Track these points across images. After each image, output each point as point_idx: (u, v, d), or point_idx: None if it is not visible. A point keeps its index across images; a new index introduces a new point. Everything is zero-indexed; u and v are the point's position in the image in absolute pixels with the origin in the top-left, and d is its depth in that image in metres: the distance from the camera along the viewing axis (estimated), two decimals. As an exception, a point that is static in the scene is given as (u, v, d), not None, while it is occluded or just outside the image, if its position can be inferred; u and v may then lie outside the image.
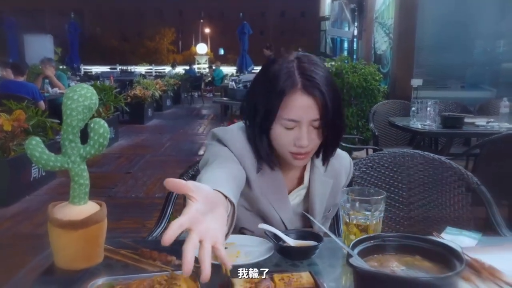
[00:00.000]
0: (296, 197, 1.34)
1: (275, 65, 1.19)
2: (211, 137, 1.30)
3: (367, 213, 1.08)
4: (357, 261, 0.80)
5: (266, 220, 1.27)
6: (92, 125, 0.98)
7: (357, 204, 1.09)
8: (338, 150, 1.36)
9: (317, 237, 1.13)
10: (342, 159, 1.41)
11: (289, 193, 1.32)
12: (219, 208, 0.82)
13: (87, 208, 1.00)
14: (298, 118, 1.15)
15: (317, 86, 1.14)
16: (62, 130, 0.97)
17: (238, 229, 1.28)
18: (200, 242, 0.72)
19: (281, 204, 1.28)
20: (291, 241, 1.13)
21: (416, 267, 0.85)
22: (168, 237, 0.69)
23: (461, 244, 1.13)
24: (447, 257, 0.83)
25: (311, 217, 1.22)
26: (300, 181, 1.35)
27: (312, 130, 1.18)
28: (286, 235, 1.14)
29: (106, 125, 0.99)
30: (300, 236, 1.16)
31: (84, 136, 1.01)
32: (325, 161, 1.32)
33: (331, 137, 1.23)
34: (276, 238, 1.12)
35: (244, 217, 1.28)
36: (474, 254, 1.02)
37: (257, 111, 1.20)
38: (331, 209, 1.41)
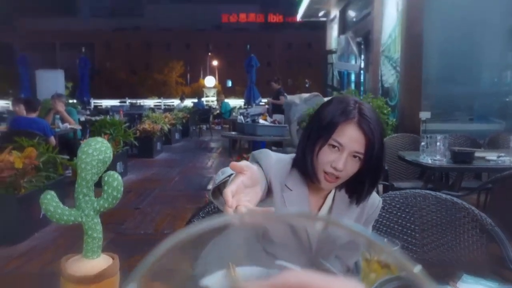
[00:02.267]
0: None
1: (337, 99, 1.38)
2: (250, 158, 1.44)
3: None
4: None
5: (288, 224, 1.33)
6: (106, 178, 0.99)
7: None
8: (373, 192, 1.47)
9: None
10: (373, 194, 1.48)
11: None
12: (257, 186, 1.06)
13: (100, 262, 1.00)
14: (344, 144, 1.30)
15: (369, 125, 1.29)
16: (76, 184, 0.98)
17: (261, 229, 1.34)
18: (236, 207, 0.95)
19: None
20: None
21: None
22: (228, 200, 0.94)
23: None
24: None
25: (325, 263, 1.21)
26: (322, 203, 1.43)
27: (351, 160, 1.31)
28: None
29: (120, 178, 1.00)
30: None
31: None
32: (359, 201, 1.40)
33: (368, 178, 1.36)
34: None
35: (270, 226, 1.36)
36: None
37: (315, 134, 1.35)
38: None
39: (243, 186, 1.00)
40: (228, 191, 0.94)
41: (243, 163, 1.02)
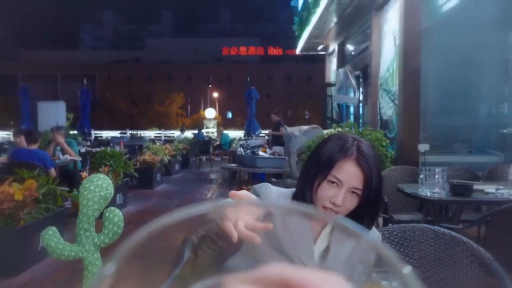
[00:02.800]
0: (319, 245, 1.42)
1: (336, 136, 1.43)
2: (251, 192, 1.44)
3: (384, 283, 1.07)
4: None
5: (287, 257, 1.35)
6: (107, 214, 1.01)
7: (373, 274, 1.09)
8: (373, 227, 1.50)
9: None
10: (373, 229, 1.50)
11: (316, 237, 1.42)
12: None
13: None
14: (342, 180, 1.32)
15: (367, 162, 1.33)
16: (78, 219, 1.00)
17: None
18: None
19: (303, 239, 1.38)
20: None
21: None
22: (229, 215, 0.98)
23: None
24: None
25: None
26: (321, 231, 1.44)
27: (349, 196, 1.34)
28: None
29: (120, 214, 1.02)
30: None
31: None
32: None
33: (367, 213, 1.39)
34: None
35: (267, 252, 1.36)
36: None
37: (314, 170, 1.37)
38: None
39: None
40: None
41: (243, 192, 1.06)
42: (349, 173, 1.32)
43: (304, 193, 1.39)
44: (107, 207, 0.99)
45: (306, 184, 1.39)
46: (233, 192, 1.04)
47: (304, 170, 1.44)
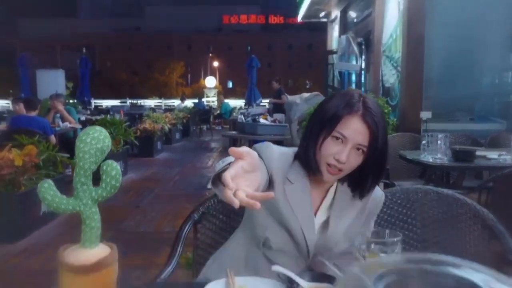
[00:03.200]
0: (320, 215, 1.41)
1: (341, 93, 1.38)
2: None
3: (383, 255, 1.06)
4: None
5: (287, 229, 1.35)
6: (104, 167, 0.98)
7: (372, 245, 1.07)
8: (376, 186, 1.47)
9: (331, 279, 1.10)
10: (376, 189, 1.46)
11: (316, 210, 1.41)
12: (257, 172, 1.06)
13: (98, 251, 0.99)
14: (348, 136, 1.29)
15: (374, 119, 1.29)
16: (74, 173, 0.97)
17: (262, 239, 1.38)
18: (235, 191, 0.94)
19: (305, 215, 1.36)
20: (304, 284, 1.10)
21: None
22: (228, 183, 0.93)
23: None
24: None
25: (326, 262, 1.21)
26: (324, 197, 1.42)
27: (354, 153, 1.30)
28: (300, 277, 1.12)
29: (118, 167, 0.99)
30: (314, 277, 1.13)
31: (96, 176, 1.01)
32: (362, 195, 1.39)
33: (372, 172, 1.35)
34: (290, 281, 1.10)
35: (268, 224, 1.36)
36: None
37: (318, 127, 1.34)
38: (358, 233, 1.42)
39: (243, 171, 1.00)
40: (227, 175, 0.94)
41: (243, 148, 1.01)
42: (354, 129, 1.28)
43: (308, 149, 1.35)
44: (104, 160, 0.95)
45: (310, 141, 1.35)
46: (232, 148, 1.00)
47: (308, 127, 1.40)
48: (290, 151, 1.44)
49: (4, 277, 3.45)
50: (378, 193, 1.48)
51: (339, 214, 1.39)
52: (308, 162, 1.36)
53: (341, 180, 1.40)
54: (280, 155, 1.39)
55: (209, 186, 1.20)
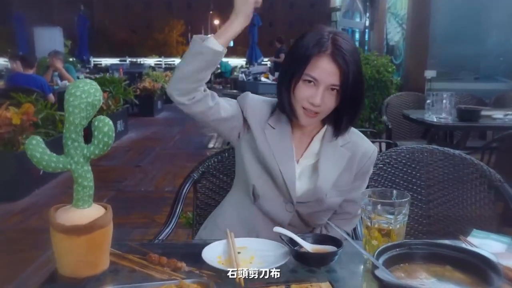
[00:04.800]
0: (305, 160, 1.37)
1: (312, 32, 1.29)
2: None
3: (390, 216, 1.01)
4: (383, 273, 0.73)
5: (269, 173, 1.33)
6: (96, 123, 0.92)
7: (379, 206, 1.02)
8: (366, 139, 1.44)
9: (336, 242, 1.06)
10: (366, 144, 1.43)
11: (298, 159, 1.37)
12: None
13: (92, 211, 0.94)
14: (318, 78, 1.24)
15: (343, 57, 1.22)
16: (64, 129, 0.91)
17: (251, 187, 1.36)
18: None
19: (285, 157, 1.33)
20: (308, 246, 1.06)
21: (446, 278, 0.78)
22: None
23: (489, 249, 1.06)
24: (481, 268, 0.76)
25: (331, 223, 1.17)
26: (308, 145, 1.39)
27: (328, 94, 1.25)
28: (303, 239, 1.08)
29: (111, 123, 0.93)
30: (318, 240, 1.09)
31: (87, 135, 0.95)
32: (338, 133, 1.36)
33: (347, 111, 1.30)
34: (292, 242, 1.06)
35: (253, 171, 1.36)
36: (505, 261, 0.95)
37: (289, 70, 1.29)
38: (348, 187, 1.40)
39: None
40: None
41: None
42: (324, 70, 1.23)
43: (282, 95, 1.31)
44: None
45: (283, 86, 1.31)
46: None
47: (281, 72, 1.36)
48: (274, 100, 1.41)
49: (5, 235, 3.46)
50: (369, 148, 1.43)
51: (327, 161, 1.35)
52: (284, 107, 1.32)
53: (328, 129, 1.37)
54: (263, 101, 1.40)
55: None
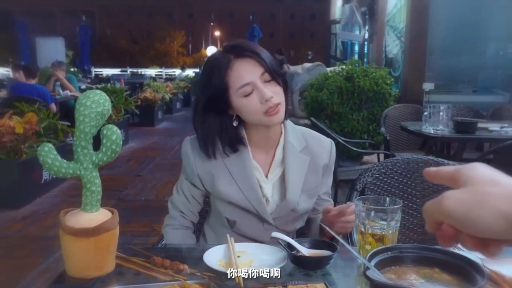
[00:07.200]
0: (273, 174, 1.38)
1: (207, 62, 1.33)
2: None
3: (383, 222, 1.06)
4: (374, 274, 0.78)
5: (241, 207, 1.34)
6: (105, 131, 0.97)
7: (372, 213, 1.07)
8: (320, 135, 1.48)
9: (332, 247, 1.11)
10: (322, 140, 1.46)
11: (266, 174, 1.38)
12: None
13: (99, 215, 0.99)
14: (249, 80, 1.24)
15: (243, 49, 1.27)
16: (74, 137, 0.96)
17: (223, 218, 1.38)
18: None
19: (248, 184, 1.34)
20: (304, 251, 1.11)
21: (435, 280, 0.82)
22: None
23: (479, 255, 1.10)
24: (467, 270, 0.80)
25: (326, 227, 1.21)
26: (273, 158, 1.39)
27: (269, 85, 1.26)
28: (300, 244, 1.12)
29: (119, 131, 0.98)
30: (314, 245, 1.14)
31: (96, 142, 1.00)
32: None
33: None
34: (290, 247, 1.10)
35: (223, 207, 1.37)
36: (493, 266, 0.99)
37: (211, 99, 1.29)
38: (317, 189, 1.44)
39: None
40: None
41: None
42: (245, 70, 1.25)
43: (227, 129, 1.33)
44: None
45: (227, 120, 1.33)
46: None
47: (203, 110, 1.33)
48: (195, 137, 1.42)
49: (7, 242, 3.50)
50: (326, 144, 1.46)
51: (292, 170, 1.36)
52: (231, 142, 1.34)
53: (285, 139, 1.39)
54: (189, 152, 1.39)
55: None
